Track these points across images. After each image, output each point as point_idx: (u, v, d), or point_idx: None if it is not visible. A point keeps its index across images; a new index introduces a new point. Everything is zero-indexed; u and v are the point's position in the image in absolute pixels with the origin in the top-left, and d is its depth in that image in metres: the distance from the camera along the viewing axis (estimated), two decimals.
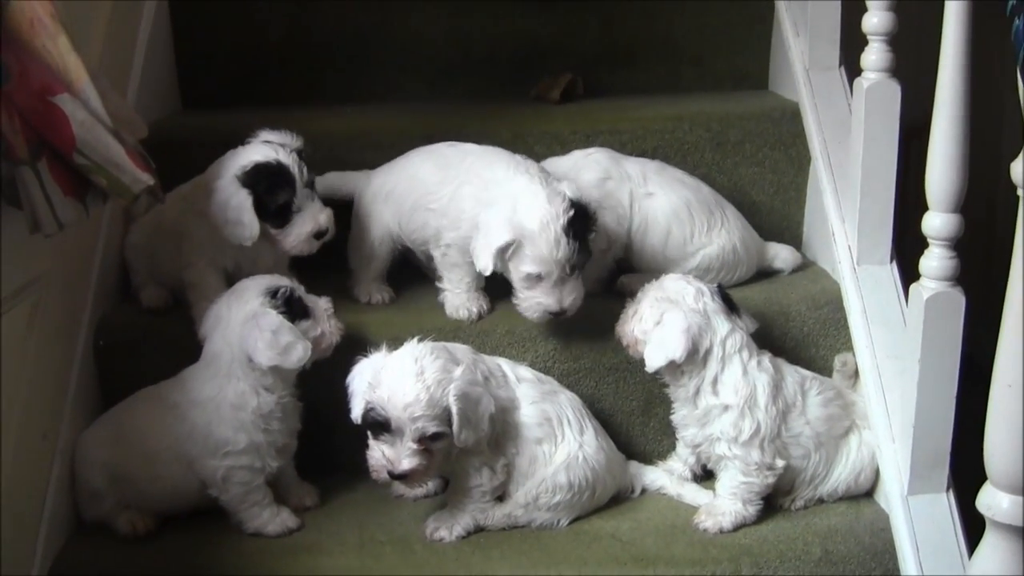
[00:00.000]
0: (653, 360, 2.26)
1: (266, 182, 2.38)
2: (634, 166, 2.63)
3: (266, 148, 2.41)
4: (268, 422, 2.27)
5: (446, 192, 2.52)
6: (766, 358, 2.31)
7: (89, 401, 2.45)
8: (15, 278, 2.11)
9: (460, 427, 2.15)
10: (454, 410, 2.14)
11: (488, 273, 2.38)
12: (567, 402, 2.37)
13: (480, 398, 2.19)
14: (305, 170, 2.41)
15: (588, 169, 2.58)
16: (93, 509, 2.34)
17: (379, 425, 2.15)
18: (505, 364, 2.36)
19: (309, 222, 2.42)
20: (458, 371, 2.18)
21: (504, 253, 2.35)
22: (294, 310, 2.26)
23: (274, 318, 2.22)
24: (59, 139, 2.01)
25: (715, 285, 2.34)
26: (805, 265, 2.78)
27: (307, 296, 2.31)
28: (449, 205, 2.50)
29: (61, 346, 2.37)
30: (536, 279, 2.35)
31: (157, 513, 2.32)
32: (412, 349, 2.19)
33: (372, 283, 2.67)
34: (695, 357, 2.25)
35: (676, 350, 2.22)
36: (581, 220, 2.34)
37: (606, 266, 2.62)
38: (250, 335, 2.21)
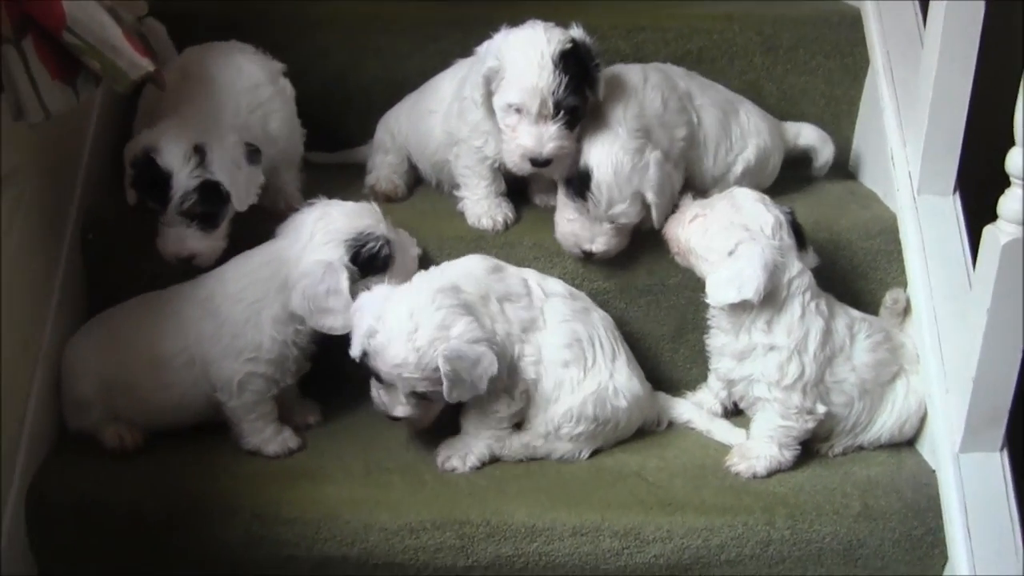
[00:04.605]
0: (724, 296, 2.08)
1: (144, 177, 2.16)
2: (681, 81, 2.40)
3: (174, 150, 2.12)
4: (301, 340, 2.17)
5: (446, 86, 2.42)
6: (823, 301, 2.14)
7: (76, 304, 2.32)
8: None
9: (450, 388, 2.03)
10: (443, 372, 2.00)
11: (479, 104, 2.21)
12: (600, 322, 2.21)
13: (479, 359, 2.03)
14: (194, 202, 2.13)
15: (652, 96, 2.31)
16: (79, 419, 2.22)
17: (374, 373, 2.07)
18: (532, 277, 2.20)
19: (171, 242, 2.17)
20: (457, 328, 2.02)
21: (490, 84, 2.18)
22: (371, 268, 2.13)
23: (340, 282, 2.09)
24: (47, 15, 1.83)
25: (790, 214, 2.15)
26: (843, 178, 2.64)
27: (401, 241, 2.18)
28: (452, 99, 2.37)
29: (45, 244, 2.22)
30: (516, 114, 2.16)
31: (150, 427, 2.20)
32: (411, 299, 2.04)
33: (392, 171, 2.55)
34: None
35: (753, 289, 2.04)
36: (576, 57, 2.16)
37: None
38: (307, 278, 2.08)
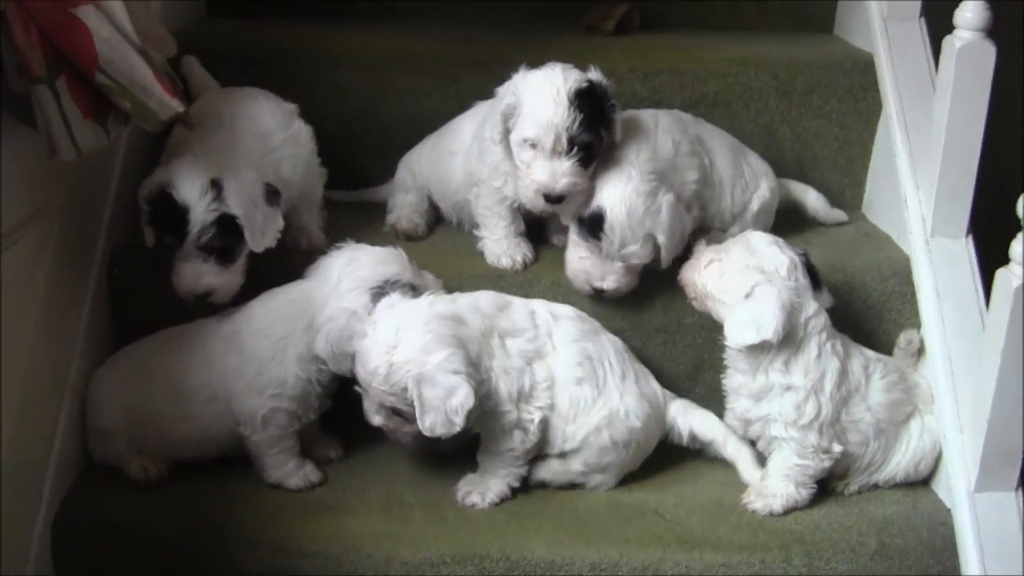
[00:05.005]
0: (743, 337, 2.09)
1: (160, 213, 2.14)
2: (691, 126, 2.43)
3: (191, 184, 2.11)
4: (324, 378, 2.18)
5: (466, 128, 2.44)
6: (839, 341, 2.16)
7: (103, 336, 2.32)
8: (26, 204, 1.97)
9: (422, 414, 2.01)
10: (412, 395, 2.00)
11: (497, 141, 2.23)
12: (609, 343, 2.23)
13: (455, 389, 2.00)
14: (212, 236, 2.11)
15: (663, 140, 2.33)
16: (104, 450, 2.22)
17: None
18: (540, 306, 2.22)
19: (187, 277, 2.15)
20: (437, 356, 2.00)
21: (508, 121, 2.21)
22: None
23: (362, 328, 2.09)
24: (81, 56, 1.85)
25: (804, 255, 2.17)
26: (856, 221, 2.67)
27: (426, 284, 2.19)
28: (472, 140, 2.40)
29: (73, 277, 2.23)
30: (531, 149, 2.19)
31: (174, 459, 2.20)
32: (407, 315, 2.04)
33: (413, 211, 2.57)
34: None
35: (772, 330, 2.06)
36: (592, 96, 2.19)
37: None
38: (331, 323, 2.10)
